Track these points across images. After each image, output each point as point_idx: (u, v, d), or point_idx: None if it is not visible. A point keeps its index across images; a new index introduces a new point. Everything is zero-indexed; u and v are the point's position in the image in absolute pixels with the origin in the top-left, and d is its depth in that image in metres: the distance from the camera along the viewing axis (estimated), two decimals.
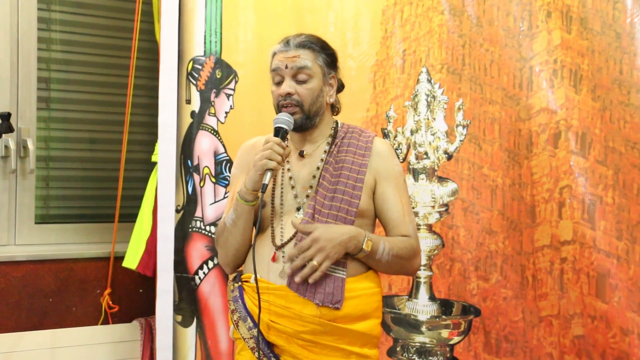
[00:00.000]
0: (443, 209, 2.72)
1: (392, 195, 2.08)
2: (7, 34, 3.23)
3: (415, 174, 2.75)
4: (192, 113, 3.08)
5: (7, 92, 3.23)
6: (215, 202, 3.05)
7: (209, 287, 3.04)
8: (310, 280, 1.95)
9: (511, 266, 2.62)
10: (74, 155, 3.51)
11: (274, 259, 2.02)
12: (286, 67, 2.04)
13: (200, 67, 3.06)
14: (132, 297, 3.38)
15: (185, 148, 3.08)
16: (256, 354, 1.99)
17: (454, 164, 2.70)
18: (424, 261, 2.71)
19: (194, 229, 3.06)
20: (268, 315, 1.99)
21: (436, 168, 2.73)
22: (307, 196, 2.05)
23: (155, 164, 3.13)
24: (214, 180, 3.05)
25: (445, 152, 2.72)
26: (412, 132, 2.76)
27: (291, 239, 2.01)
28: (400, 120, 2.80)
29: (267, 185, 1.96)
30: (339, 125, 2.16)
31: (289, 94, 2.03)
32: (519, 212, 2.61)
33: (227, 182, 3.02)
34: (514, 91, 2.63)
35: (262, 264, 2.01)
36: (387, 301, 2.75)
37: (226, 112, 3.05)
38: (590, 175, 2.48)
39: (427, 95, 2.73)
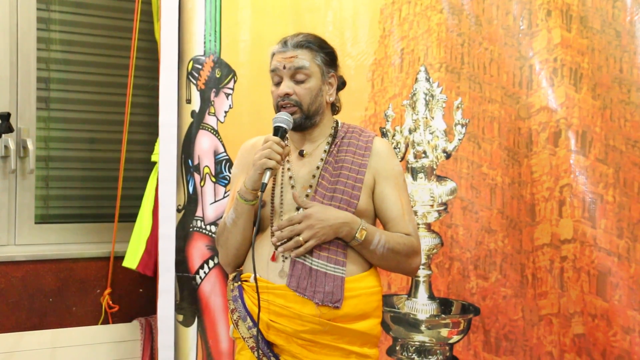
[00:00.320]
0: (442, 207, 2.71)
1: (392, 195, 2.08)
2: (6, 34, 3.23)
3: (413, 173, 2.75)
4: (193, 113, 3.08)
5: (6, 92, 3.23)
6: (215, 201, 3.05)
7: (210, 287, 3.04)
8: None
9: (511, 265, 2.62)
10: (74, 155, 3.51)
11: (273, 259, 2.02)
12: (284, 67, 2.04)
13: (200, 66, 3.06)
14: (132, 297, 3.38)
15: (186, 148, 3.08)
16: (256, 353, 1.99)
17: (452, 162, 2.70)
18: (422, 260, 2.71)
19: (195, 229, 3.07)
20: (267, 315, 1.99)
21: (435, 167, 2.73)
22: (307, 196, 2.05)
23: (155, 163, 3.13)
24: (214, 179, 3.05)
25: (444, 151, 2.71)
26: (410, 131, 2.76)
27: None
28: (399, 119, 2.79)
29: (266, 184, 1.96)
30: (339, 124, 2.16)
31: (287, 95, 2.04)
32: (518, 210, 2.61)
33: (226, 182, 3.03)
34: (514, 90, 2.63)
35: (262, 263, 2.01)
36: (387, 300, 2.75)
37: (225, 112, 3.05)
38: (591, 174, 2.48)
39: (426, 94, 2.73)
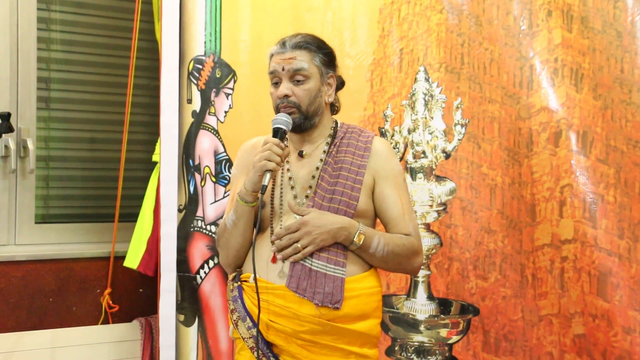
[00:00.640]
0: (441, 208, 2.71)
1: (392, 195, 2.08)
2: (6, 34, 3.23)
3: (412, 173, 2.75)
4: (193, 112, 3.08)
5: (7, 92, 3.23)
6: (215, 201, 3.05)
7: (210, 287, 3.05)
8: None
9: (510, 265, 2.61)
10: (74, 155, 3.52)
11: (274, 260, 2.02)
12: (283, 69, 2.04)
13: (200, 66, 3.06)
14: (132, 297, 3.38)
15: (187, 148, 3.09)
16: (255, 353, 1.99)
17: (452, 163, 2.70)
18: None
19: (196, 229, 3.07)
20: (267, 315, 1.99)
21: (434, 167, 2.72)
22: (307, 196, 2.05)
23: (155, 163, 3.14)
24: (214, 179, 3.05)
25: (443, 151, 2.71)
26: (409, 131, 2.75)
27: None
28: (398, 119, 2.79)
29: (267, 186, 1.96)
30: (339, 125, 2.16)
31: (286, 96, 2.04)
32: (518, 210, 2.61)
33: (226, 182, 3.03)
34: (514, 90, 2.62)
35: (262, 264, 2.01)
36: (386, 300, 2.73)
37: (225, 112, 3.05)
38: (592, 174, 2.48)
39: (425, 94, 2.73)
